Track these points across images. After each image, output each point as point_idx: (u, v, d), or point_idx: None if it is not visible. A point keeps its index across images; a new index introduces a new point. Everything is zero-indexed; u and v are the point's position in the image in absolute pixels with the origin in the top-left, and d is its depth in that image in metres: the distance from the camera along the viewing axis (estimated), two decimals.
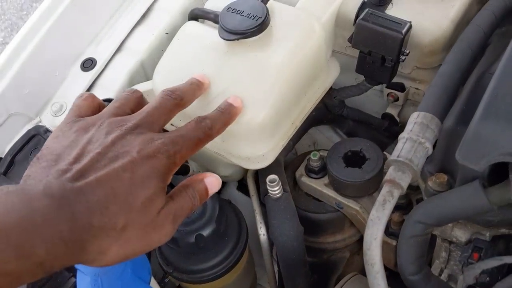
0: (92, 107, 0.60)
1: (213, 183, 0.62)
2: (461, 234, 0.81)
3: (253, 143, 0.91)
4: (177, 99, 0.65)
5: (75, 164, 0.49)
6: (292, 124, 0.96)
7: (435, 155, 0.84)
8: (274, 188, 0.92)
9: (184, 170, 1.12)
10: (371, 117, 1.13)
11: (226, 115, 0.71)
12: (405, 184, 0.73)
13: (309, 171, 1.02)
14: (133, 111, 0.60)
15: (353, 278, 0.84)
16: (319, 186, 1.00)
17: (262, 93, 0.88)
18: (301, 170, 1.04)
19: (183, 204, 0.56)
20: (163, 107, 0.61)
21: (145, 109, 0.59)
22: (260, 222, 1.01)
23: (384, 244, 0.96)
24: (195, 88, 0.74)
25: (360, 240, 1.07)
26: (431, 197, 0.80)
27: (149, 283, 0.77)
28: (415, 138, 0.74)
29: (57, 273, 0.89)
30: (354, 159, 0.95)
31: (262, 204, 1.02)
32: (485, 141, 0.68)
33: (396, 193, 0.72)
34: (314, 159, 1.00)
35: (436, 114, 0.76)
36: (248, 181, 1.07)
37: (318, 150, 1.02)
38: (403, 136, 0.75)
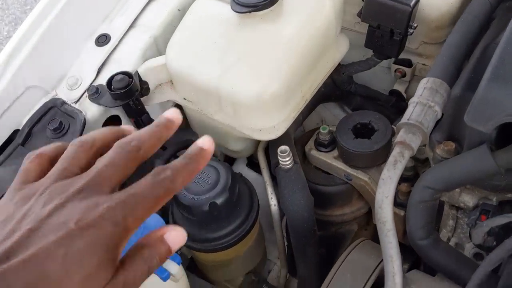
0: (40, 169, 0.51)
1: (176, 238, 0.51)
2: (468, 199, 0.83)
3: (265, 114, 0.94)
4: (133, 151, 0.51)
5: (2, 244, 0.43)
6: (302, 97, 0.98)
7: (443, 123, 0.87)
8: (285, 159, 0.94)
9: None
10: (378, 93, 1.15)
11: (194, 163, 0.53)
12: (415, 145, 0.75)
13: (319, 145, 1.04)
14: (83, 170, 0.51)
15: (362, 243, 0.86)
16: (329, 159, 1.02)
17: (274, 65, 0.90)
18: (310, 144, 1.06)
19: (135, 273, 0.48)
20: (116, 163, 0.49)
21: (95, 167, 0.49)
22: (271, 193, 1.03)
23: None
24: (162, 131, 0.54)
25: (368, 213, 1.09)
26: (439, 163, 0.82)
27: None
28: (425, 102, 0.76)
29: None
30: (363, 131, 0.98)
31: (273, 177, 1.04)
32: (492, 103, 0.70)
33: (407, 154, 0.75)
34: (324, 132, 1.02)
35: (444, 80, 0.78)
36: (259, 155, 1.09)
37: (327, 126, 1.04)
38: (413, 100, 0.77)
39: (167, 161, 1.06)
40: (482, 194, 0.83)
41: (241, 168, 1.26)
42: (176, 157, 1.08)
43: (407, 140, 0.75)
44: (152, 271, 0.48)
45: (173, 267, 0.75)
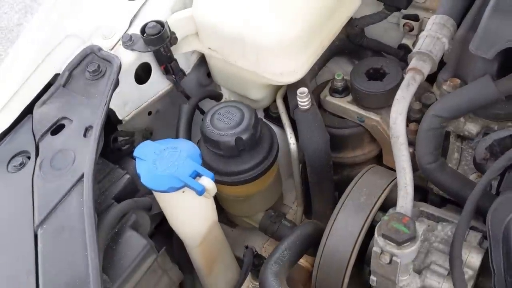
0: None
1: None
2: (472, 127, 0.91)
3: (286, 57, 1.02)
4: None
5: None
6: (320, 43, 1.07)
7: (449, 64, 0.96)
8: (304, 99, 1.03)
9: (218, 97, 1.23)
10: (388, 47, 1.23)
11: None
12: (426, 71, 0.84)
13: (333, 92, 1.13)
14: None
15: (374, 168, 0.94)
16: (343, 103, 1.11)
17: (295, 10, 0.99)
18: (325, 92, 1.15)
19: None
20: None
21: None
22: (291, 133, 1.12)
23: None
24: None
25: (378, 156, 1.18)
26: (447, 94, 0.91)
27: (200, 165, 0.88)
28: (434, 35, 0.85)
29: (112, 169, 1.00)
30: (376, 75, 1.06)
31: (290, 120, 1.13)
32: (495, 32, 0.79)
33: (418, 78, 0.83)
34: (338, 79, 1.10)
35: (451, 16, 0.87)
36: (278, 102, 1.18)
37: None
38: (423, 34, 0.86)
39: (193, 108, 1.15)
40: (484, 123, 0.91)
41: None
42: (199, 107, 1.17)
43: (418, 66, 0.83)
44: None
45: (208, 182, 0.84)
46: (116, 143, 1.14)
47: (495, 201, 0.73)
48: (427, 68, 0.84)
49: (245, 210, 1.17)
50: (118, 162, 1.04)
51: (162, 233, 1.15)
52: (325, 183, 1.08)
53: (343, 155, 1.17)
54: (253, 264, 1.08)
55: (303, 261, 1.04)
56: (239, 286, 1.06)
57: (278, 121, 1.22)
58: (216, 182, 1.05)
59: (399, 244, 0.72)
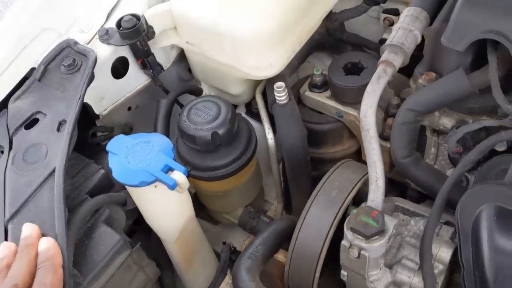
0: None
1: None
2: (447, 121, 0.91)
3: (262, 51, 1.02)
4: None
5: None
6: (297, 38, 1.06)
7: (425, 57, 0.95)
8: (281, 94, 1.02)
9: (197, 93, 1.23)
10: (368, 41, 1.23)
11: (24, 257, 0.69)
12: (397, 64, 0.83)
13: (313, 86, 1.12)
14: None
15: (347, 162, 0.94)
16: (321, 98, 1.11)
17: (271, 2, 0.98)
18: (304, 87, 1.14)
19: None
20: None
21: None
22: (268, 128, 1.11)
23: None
24: (28, 252, 0.71)
25: (358, 152, 1.17)
26: (421, 88, 0.90)
27: (173, 159, 0.87)
28: (406, 27, 0.84)
29: (87, 164, 0.99)
30: (353, 70, 1.06)
31: (269, 116, 1.12)
32: (466, 24, 0.79)
33: (389, 71, 0.83)
34: (317, 73, 1.10)
35: (424, 8, 0.86)
36: (257, 97, 1.17)
37: None
38: (395, 26, 0.86)
39: (171, 102, 1.14)
40: (459, 117, 0.91)
41: None
42: (178, 102, 1.17)
43: (389, 59, 0.83)
44: None
45: (180, 176, 0.83)
46: (94, 138, 1.13)
47: (464, 194, 0.73)
48: (398, 61, 0.84)
49: (224, 206, 1.17)
50: (94, 157, 1.03)
51: (143, 230, 1.15)
52: (302, 178, 1.08)
53: (323, 151, 1.17)
54: (230, 260, 1.07)
55: (280, 256, 1.03)
56: (215, 281, 1.05)
57: (259, 117, 1.21)
58: (194, 177, 1.06)
59: (367, 238, 0.72)
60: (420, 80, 0.93)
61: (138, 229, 1.14)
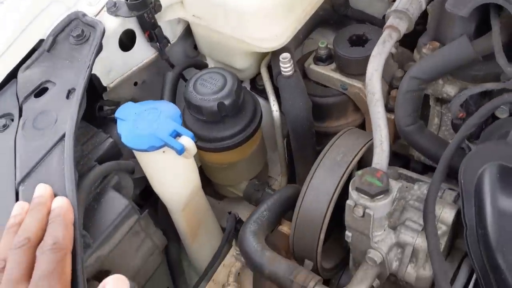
0: None
1: (117, 283, 0.61)
2: (450, 89, 0.92)
3: (268, 22, 1.03)
4: (25, 244, 0.65)
5: None
6: (303, 11, 1.07)
7: (429, 27, 0.96)
8: (286, 65, 1.04)
9: (203, 67, 1.24)
10: (373, 17, 1.24)
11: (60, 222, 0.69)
12: (402, 29, 0.84)
13: (317, 60, 1.14)
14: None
15: (351, 130, 0.95)
16: (326, 71, 1.12)
17: None
18: (309, 60, 1.15)
19: None
20: (17, 261, 0.63)
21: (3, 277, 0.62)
22: (274, 100, 1.13)
23: None
24: (40, 210, 0.72)
25: (362, 125, 1.19)
26: (425, 56, 0.92)
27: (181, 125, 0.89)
28: None
29: (96, 133, 1.01)
30: (358, 42, 1.07)
31: (275, 87, 1.14)
32: None
33: (394, 36, 0.84)
34: (322, 46, 1.11)
35: None
36: (262, 70, 1.18)
37: None
38: None
39: (177, 76, 1.15)
40: (462, 85, 0.92)
41: None
42: (182, 76, 1.18)
43: (394, 24, 0.84)
44: None
45: (188, 141, 0.85)
46: (101, 112, 1.15)
47: (468, 154, 0.74)
48: (403, 26, 0.85)
49: (229, 178, 1.18)
50: (102, 127, 1.04)
51: (150, 204, 1.17)
52: (307, 150, 1.09)
53: (327, 125, 1.18)
54: (235, 229, 1.09)
55: (285, 228, 1.05)
56: (220, 249, 1.07)
57: (264, 94, 1.22)
58: (200, 148, 1.08)
59: (372, 196, 0.73)
60: (424, 50, 0.94)
61: (146, 204, 1.17)
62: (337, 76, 1.10)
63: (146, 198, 1.16)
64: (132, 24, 1.09)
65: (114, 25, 1.07)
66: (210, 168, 1.18)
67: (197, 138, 1.06)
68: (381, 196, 0.74)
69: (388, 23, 0.85)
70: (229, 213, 1.12)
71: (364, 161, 0.95)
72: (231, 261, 1.16)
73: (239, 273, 1.14)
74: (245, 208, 1.30)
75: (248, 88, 1.34)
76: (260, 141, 1.15)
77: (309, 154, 1.09)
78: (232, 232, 1.08)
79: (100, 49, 1.00)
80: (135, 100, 1.25)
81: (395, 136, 1.11)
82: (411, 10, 0.85)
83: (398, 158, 1.15)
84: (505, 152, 0.71)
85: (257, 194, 1.16)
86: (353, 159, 0.84)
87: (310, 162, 1.11)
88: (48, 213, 0.73)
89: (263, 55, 1.17)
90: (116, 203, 0.91)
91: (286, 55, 1.03)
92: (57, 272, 0.62)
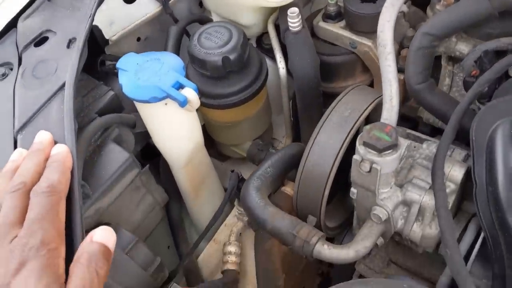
0: None
1: (104, 234, 0.60)
2: (464, 47, 0.89)
3: None
4: (20, 188, 0.63)
5: None
6: None
7: None
8: (294, 20, 1.00)
9: (208, 22, 1.20)
10: None
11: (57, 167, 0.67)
12: None
13: (327, 17, 1.10)
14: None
15: (360, 86, 0.92)
16: (335, 28, 1.08)
17: None
18: (318, 18, 1.12)
19: (83, 281, 0.55)
20: (13, 206, 0.61)
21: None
22: (280, 57, 1.10)
23: None
24: (38, 155, 0.70)
25: (370, 86, 1.16)
26: (439, 12, 0.88)
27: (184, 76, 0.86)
28: None
29: (97, 86, 0.98)
30: None
31: (282, 45, 1.10)
32: None
33: None
34: (332, 3, 1.07)
35: None
36: (269, 27, 1.15)
37: None
38: None
39: (181, 30, 1.12)
40: (476, 43, 0.89)
41: None
42: (186, 32, 1.15)
43: None
44: (103, 272, 0.57)
45: (191, 93, 0.82)
46: (103, 66, 1.12)
47: (480, 110, 0.71)
48: None
49: (233, 138, 1.16)
50: (104, 81, 1.02)
51: (153, 164, 1.15)
52: (313, 109, 1.06)
53: (335, 85, 1.15)
54: (237, 188, 1.07)
55: (288, 189, 1.03)
56: (222, 206, 1.06)
57: (270, 53, 1.19)
58: (204, 105, 1.05)
59: (380, 151, 0.71)
60: (437, 6, 0.91)
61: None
62: (346, 33, 1.06)
63: (149, 158, 1.14)
64: None
65: None
66: (213, 127, 1.15)
67: (201, 94, 1.04)
68: (390, 151, 0.72)
69: None
70: (232, 171, 1.10)
71: (372, 121, 0.93)
72: (233, 221, 1.16)
73: (240, 233, 1.13)
74: (248, 169, 1.28)
75: (255, 47, 1.31)
76: (265, 101, 1.13)
77: (315, 114, 1.07)
78: (234, 190, 1.07)
79: None
80: None
81: (404, 97, 1.08)
82: None
83: (406, 120, 1.12)
84: None
85: (261, 154, 1.14)
86: (361, 114, 0.82)
87: (315, 122, 1.08)
88: (46, 159, 0.71)
89: (271, 11, 1.14)
90: (117, 156, 0.89)
91: (294, 10, 0.99)
92: (51, 215, 0.60)
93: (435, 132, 1.09)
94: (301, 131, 1.13)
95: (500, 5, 0.81)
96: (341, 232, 1.00)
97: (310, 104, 1.06)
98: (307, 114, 1.08)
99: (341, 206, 0.97)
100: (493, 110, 0.70)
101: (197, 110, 1.14)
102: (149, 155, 1.09)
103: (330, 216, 0.95)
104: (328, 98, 1.17)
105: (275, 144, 1.31)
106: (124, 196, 0.92)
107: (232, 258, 1.08)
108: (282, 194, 1.03)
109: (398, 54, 1.05)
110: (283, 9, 1.06)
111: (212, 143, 1.23)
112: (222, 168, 1.32)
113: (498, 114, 0.70)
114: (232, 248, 1.08)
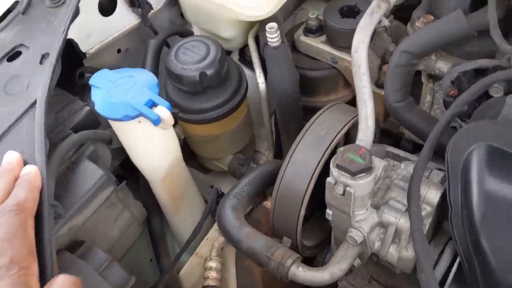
0: None
1: (64, 283, 0.58)
2: (443, 65, 0.88)
3: None
4: None
5: None
6: None
7: (423, 3, 0.92)
8: (273, 35, 0.99)
9: (188, 35, 1.19)
10: None
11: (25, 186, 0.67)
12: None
13: (307, 31, 1.09)
14: None
15: (338, 104, 0.91)
16: (316, 43, 1.07)
17: None
18: (299, 32, 1.11)
19: None
20: None
21: None
22: (260, 72, 1.08)
23: (375, 95, 1.04)
24: (7, 175, 0.70)
25: (352, 101, 1.15)
26: (418, 30, 0.87)
27: (158, 94, 0.85)
28: None
29: (72, 101, 0.97)
30: (349, 13, 1.02)
31: (262, 59, 1.09)
32: None
33: (383, 6, 0.80)
34: (312, 17, 1.06)
35: None
36: (249, 41, 1.13)
37: None
38: None
39: (160, 43, 1.11)
40: (456, 61, 0.88)
41: None
42: (167, 43, 1.13)
43: None
44: None
45: (164, 111, 0.81)
46: (82, 79, 1.10)
47: (456, 133, 0.70)
48: None
49: (213, 152, 1.15)
50: (82, 95, 1.00)
51: (134, 177, 1.13)
52: (293, 124, 1.05)
53: (317, 99, 1.14)
54: (217, 203, 1.05)
55: (270, 204, 1.02)
56: (201, 223, 1.04)
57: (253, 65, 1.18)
58: (182, 120, 1.04)
59: (353, 174, 0.70)
60: (417, 23, 0.90)
61: (129, 175, 1.13)
62: (327, 48, 1.05)
63: (129, 170, 1.12)
64: None
65: None
66: (193, 141, 1.14)
67: (179, 109, 1.03)
68: (363, 174, 0.70)
69: None
70: (211, 187, 1.09)
71: (351, 139, 0.92)
72: (215, 235, 1.14)
73: (222, 248, 1.12)
74: (230, 182, 1.26)
75: (237, 59, 1.30)
76: (246, 115, 1.11)
77: (295, 129, 1.05)
78: (213, 206, 1.05)
79: (77, 13, 0.95)
80: (119, 68, 1.21)
81: (386, 113, 1.07)
82: None
83: (388, 136, 1.11)
84: (495, 132, 0.67)
85: (242, 168, 1.12)
86: (337, 134, 0.81)
87: (295, 137, 1.08)
88: (16, 179, 0.70)
89: (251, 24, 1.12)
90: (91, 173, 0.87)
91: (272, 25, 0.98)
92: (19, 234, 0.59)
93: (417, 148, 1.08)
94: (282, 145, 1.12)
95: (478, 25, 0.80)
96: (323, 250, 0.99)
97: (289, 119, 1.04)
98: (287, 129, 1.07)
99: (320, 224, 0.96)
100: (468, 134, 0.69)
101: (176, 123, 1.13)
102: (131, 167, 1.08)
103: (308, 235, 0.93)
104: (310, 112, 1.15)
105: (258, 156, 1.30)
106: (100, 213, 0.90)
107: (212, 274, 1.06)
108: (263, 209, 1.02)
109: (379, 69, 1.04)
110: (262, 23, 1.04)
111: (194, 154, 1.22)
112: (205, 180, 1.31)
113: (473, 138, 0.69)
114: (213, 264, 1.07)
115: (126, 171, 1.12)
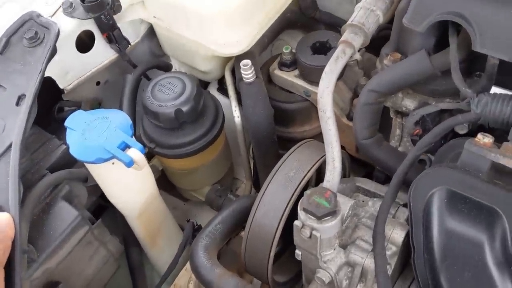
0: None
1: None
2: (410, 103, 0.90)
3: (228, 27, 1.00)
4: None
5: None
6: (265, 15, 1.04)
7: (391, 38, 0.94)
8: (247, 72, 1.01)
9: (166, 68, 1.21)
10: (341, 20, 1.21)
11: None
12: (357, 44, 0.82)
13: (282, 65, 1.11)
14: None
15: (309, 142, 0.93)
16: (290, 77, 1.09)
17: None
18: (274, 65, 1.13)
19: None
20: None
21: None
22: (235, 106, 1.10)
23: (346, 128, 1.06)
24: None
25: None
26: (384, 69, 0.89)
27: (131, 136, 0.86)
28: (368, 7, 0.83)
29: (49, 140, 0.98)
30: (321, 49, 1.04)
31: (238, 93, 1.11)
32: (427, 5, 0.77)
33: (348, 52, 0.82)
34: (286, 52, 1.09)
35: None
36: (226, 74, 1.16)
37: None
38: (358, 6, 0.84)
39: (138, 78, 1.12)
40: (422, 99, 0.90)
41: (212, 92, 1.32)
42: (146, 75, 1.15)
43: (349, 39, 0.82)
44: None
45: (136, 154, 0.82)
46: (61, 113, 1.12)
47: (417, 177, 0.72)
48: (358, 41, 0.83)
49: (191, 183, 1.17)
50: (59, 133, 1.02)
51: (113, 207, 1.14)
52: (269, 156, 1.07)
53: (292, 130, 1.16)
54: (193, 237, 1.07)
55: None
56: (177, 258, 1.06)
57: None
58: (159, 154, 1.05)
59: (319, 218, 0.72)
60: (385, 61, 0.92)
61: (109, 206, 1.14)
62: (300, 82, 1.08)
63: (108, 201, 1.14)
64: (90, 25, 1.06)
65: (70, 26, 1.03)
66: (171, 173, 1.16)
67: (156, 144, 1.04)
68: (328, 217, 0.72)
69: (342, 37, 0.83)
70: (188, 221, 1.10)
71: (323, 173, 0.93)
72: None
73: None
74: (209, 211, 1.28)
75: (216, 89, 1.32)
76: (223, 147, 1.13)
77: (271, 161, 1.07)
78: (189, 241, 1.07)
79: (54, 52, 0.97)
80: (97, 99, 1.23)
81: None
82: (367, 24, 0.82)
83: (362, 165, 1.14)
84: (454, 176, 0.69)
85: (219, 200, 1.14)
86: (305, 175, 0.83)
87: (271, 169, 1.10)
88: None
89: (228, 58, 1.14)
90: (66, 214, 0.89)
91: (246, 62, 1.00)
92: None
93: (389, 178, 1.09)
94: (259, 176, 1.14)
95: (442, 65, 0.82)
96: (297, 283, 1.00)
97: (265, 152, 1.06)
98: (263, 161, 1.09)
99: (293, 259, 0.97)
100: (428, 178, 0.71)
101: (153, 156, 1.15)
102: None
103: (282, 270, 0.95)
104: (286, 142, 1.18)
105: (238, 184, 1.32)
106: (75, 253, 0.92)
107: None
108: (240, 240, 1.03)
109: (351, 102, 1.06)
110: (238, 58, 1.07)
111: (173, 184, 1.23)
112: (184, 208, 1.33)
113: (433, 182, 0.71)
114: None
115: (105, 201, 1.14)
